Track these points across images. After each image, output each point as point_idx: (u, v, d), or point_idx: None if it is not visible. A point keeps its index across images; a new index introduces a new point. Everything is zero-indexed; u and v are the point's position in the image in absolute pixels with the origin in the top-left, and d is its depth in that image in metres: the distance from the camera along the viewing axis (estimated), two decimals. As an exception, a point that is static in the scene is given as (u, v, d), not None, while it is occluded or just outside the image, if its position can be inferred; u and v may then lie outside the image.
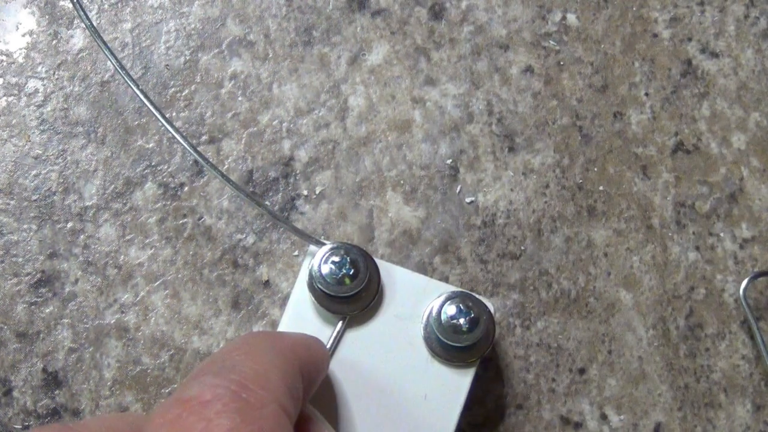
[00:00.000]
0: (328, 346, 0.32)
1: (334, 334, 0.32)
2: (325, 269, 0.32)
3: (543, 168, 0.39)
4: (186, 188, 0.38)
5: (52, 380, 0.36)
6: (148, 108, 0.38)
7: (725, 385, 0.36)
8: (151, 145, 0.39)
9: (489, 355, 0.36)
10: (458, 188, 0.38)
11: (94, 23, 0.40)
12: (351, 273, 0.32)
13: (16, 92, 0.39)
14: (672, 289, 0.37)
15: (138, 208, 0.38)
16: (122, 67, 0.34)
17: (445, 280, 0.37)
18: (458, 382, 0.32)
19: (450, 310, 0.32)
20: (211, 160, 0.38)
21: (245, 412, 0.21)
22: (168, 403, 0.21)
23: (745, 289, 0.37)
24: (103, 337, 0.36)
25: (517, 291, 0.37)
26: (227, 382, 0.21)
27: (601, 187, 0.39)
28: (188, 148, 0.34)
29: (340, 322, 0.32)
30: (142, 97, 0.34)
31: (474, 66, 0.40)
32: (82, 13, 0.35)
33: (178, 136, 0.34)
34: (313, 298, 0.32)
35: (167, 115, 0.39)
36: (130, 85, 0.34)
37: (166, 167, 0.38)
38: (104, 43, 0.35)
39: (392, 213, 0.38)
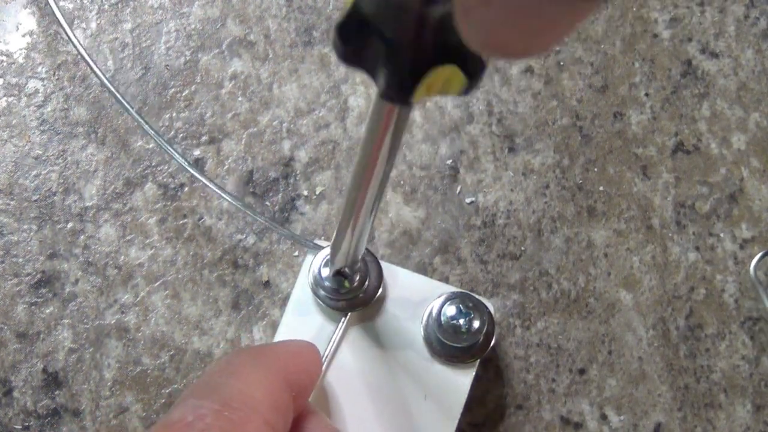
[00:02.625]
0: (328, 347, 0.32)
1: (334, 335, 0.32)
2: (325, 272, 0.32)
3: (543, 168, 0.39)
4: (186, 189, 0.38)
5: (53, 380, 0.36)
6: (149, 109, 0.38)
7: (725, 385, 0.36)
8: (151, 146, 0.39)
9: (489, 355, 0.36)
10: (458, 188, 0.38)
11: (95, 24, 0.40)
12: (350, 275, 0.32)
13: (16, 92, 0.39)
14: (672, 290, 0.37)
15: (138, 209, 0.38)
16: (111, 83, 0.34)
17: (445, 280, 0.37)
18: (458, 382, 0.32)
19: (450, 310, 0.32)
20: (211, 160, 0.38)
21: (228, 430, 0.21)
22: (154, 428, 0.22)
23: (756, 265, 0.37)
24: (103, 338, 0.36)
25: (517, 291, 0.37)
26: (210, 403, 0.22)
27: (601, 188, 0.39)
28: (179, 160, 0.34)
29: (340, 323, 0.32)
30: (133, 113, 0.34)
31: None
32: (70, 33, 0.35)
33: (171, 150, 0.34)
34: (313, 299, 0.32)
35: (167, 116, 0.39)
36: (122, 103, 0.34)
37: (166, 168, 0.38)
38: (94, 62, 0.35)
39: (392, 213, 0.38)
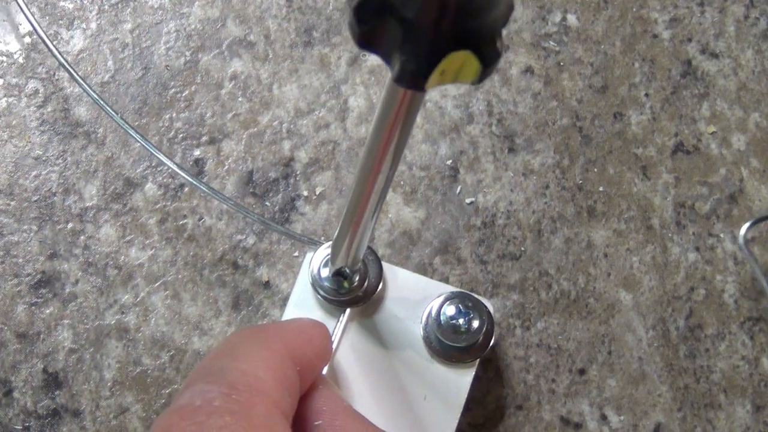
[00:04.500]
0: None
1: (334, 333, 0.32)
2: (325, 272, 0.32)
3: (543, 169, 0.39)
4: (186, 189, 0.38)
5: (53, 381, 0.36)
6: (149, 109, 0.38)
7: (725, 385, 0.36)
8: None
9: (489, 355, 0.36)
10: (458, 189, 0.38)
11: (95, 24, 0.40)
12: (349, 275, 0.32)
13: (16, 93, 0.39)
14: (672, 290, 0.37)
15: (138, 209, 0.38)
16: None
17: (445, 280, 0.37)
18: (458, 383, 0.32)
19: (449, 310, 0.32)
20: (211, 160, 0.38)
21: (236, 412, 0.21)
22: (163, 415, 0.22)
23: (746, 234, 0.36)
24: (103, 338, 0.36)
25: (517, 292, 0.37)
26: (216, 386, 0.22)
27: (601, 188, 0.39)
28: (173, 166, 0.34)
29: (339, 320, 0.32)
30: (119, 121, 0.34)
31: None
32: (50, 45, 0.35)
33: (161, 156, 0.34)
34: (313, 299, 0.32)
35: (167, 116, 0.39)
36: (109, 112, 0.35)
37: (166, 168, 0.38)
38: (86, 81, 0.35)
39: (392, 214, 0.38)
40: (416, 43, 0.17)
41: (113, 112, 0.35)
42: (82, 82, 0.35)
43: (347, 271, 0.31)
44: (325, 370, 0.31)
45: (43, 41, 0.36)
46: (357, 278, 0.32)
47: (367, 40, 0.18)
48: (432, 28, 0.16)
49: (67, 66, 0.35)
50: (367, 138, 0.22)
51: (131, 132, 0.35)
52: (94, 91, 0.35)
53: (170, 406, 0.22)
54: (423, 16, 0.16)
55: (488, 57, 0.17)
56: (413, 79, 0.17)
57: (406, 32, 0.17)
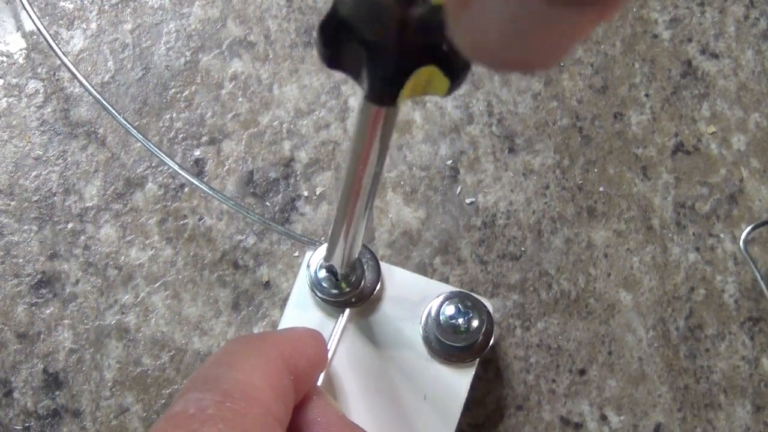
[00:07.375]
0: (328, 346, 0.32)
1: (333, 333, 0.32)
2: (322, 273, 0.32)
3: (543, 169, 0.39)
4: (186, 189, 0.38)
5: (53, 381, 0.36)
6: (149, 109, 0.38)
7: (725, 386, 0.36)
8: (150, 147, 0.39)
9: (489, 356, 0.36)
10: (458, 189, 0.38)
11: (95, 24, 0.40)
12: (346, 277, 0.32)
13: (16, 93, 0.39)
14: (672, 290, 0.37)
15: (138, 209, 0.38)
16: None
17: (446, 280, 0.37)
18: (458, 382, 0.32)
19: (449, 310, 0.32)
20: (211, 160, 0.39)
21: (229, 420, 0.21)
22: (157, 423, 0.22)
23: (746, 238, 0.37)
24: (103, 338, 0.36)
25: (517, 292, 0.37)
26: (211, 395, 0.22)
27: (601, 188, 0.39)
28: (174, 166, 0.34)
29: (339, 320, 0.32)
30: (122, 120, 0.34)
31: (474, 67, 0.40)
32: (53, 44, 0.35)
33: (162, 155, 0.34)
34: (312, 300, 0.32)
35: (167, 116, 0.39)
36: (111, 111, 0.35)
37: (166, 168, 0.38)
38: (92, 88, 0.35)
39: (392, 214, 0.38)
40: (382, 62, 0.17)
41: (115, 112, 0.35)
42: (84, 81, 0.35)
43: (344, 271, 0.31)
44: (322, 375, 0.31)
45: (46, 41, 0.36)
46: (354, 279, 0.32)
47: (335, 62, 0.18)
48: (394, 46, 0.16)
49: (70, 66, 0.35)
50: (348, 153, 0.22)
51: (132, 131, 0.35)
52: (96, 91, 0.35)
53: (164, 414, 0.22)
54: (384, 36, 0.16)
55: (455, 70, 0.17)
56: (383, 96, 0.17)
57: (370, 52, 0.17)
